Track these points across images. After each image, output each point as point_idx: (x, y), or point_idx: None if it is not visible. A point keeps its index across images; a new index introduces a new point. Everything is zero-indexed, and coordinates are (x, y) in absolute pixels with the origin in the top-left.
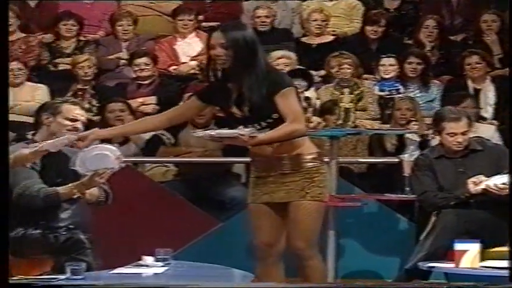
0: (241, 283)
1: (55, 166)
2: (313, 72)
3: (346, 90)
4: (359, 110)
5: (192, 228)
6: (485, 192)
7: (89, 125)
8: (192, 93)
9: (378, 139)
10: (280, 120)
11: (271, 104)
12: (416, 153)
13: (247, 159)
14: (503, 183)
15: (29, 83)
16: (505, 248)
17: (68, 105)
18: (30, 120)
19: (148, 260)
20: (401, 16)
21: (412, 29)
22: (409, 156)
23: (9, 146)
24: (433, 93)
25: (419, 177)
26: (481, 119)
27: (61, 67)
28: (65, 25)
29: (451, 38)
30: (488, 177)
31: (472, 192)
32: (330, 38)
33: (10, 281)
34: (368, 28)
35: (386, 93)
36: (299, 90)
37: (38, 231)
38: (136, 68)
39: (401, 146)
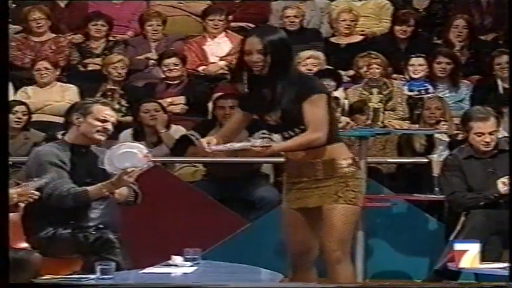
0: (269, 283)
1: (84, 165)
2: (342, 72)
3: (375, 90)
4: (388, 110)
5: (221, 228)
6: None
7: (118, 125)
8: (220, 94)
9: (407, 139)
10: None
11: (302, 110)
12: (446, 153)
13: (276, 159)
14: None
15: (59, 83)
16: None
17: (98, 106)
18: (61, 120)
19: (178, 259)
20: (430, 16)
21: (441, 29)
22: (438, 157)
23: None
24: (463, 93)
25: (448, 178)
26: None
27: (91, 67)
28: (94, 25)
29: (481, 37)
30: None
31: (501, 192)
32: (359, 38)
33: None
34: (397, 28)
35: (416, 93)
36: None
37: (67, 231)
38: (165, 68)
39: (430, 146)
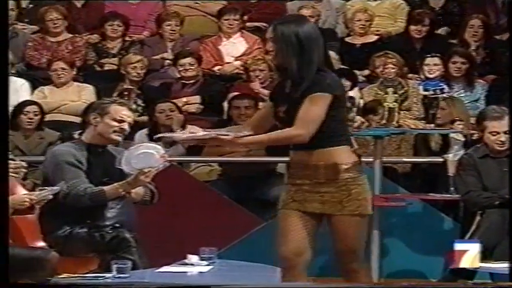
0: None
1: (101, 165)
2: (357, 72)
3: (390, 90)
4: (403, 110)
5: (237, 227)
6: None
7: (134, 125)
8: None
9: (423, 139)
10: (322, 122)
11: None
12: (461, 153)
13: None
14: None
15: (76, 83)
16: None
17: (115, 106)
18: (77, 119)
19: (193, 258)
20: (446, 14)
21: (456, 29)
22: (453, 156)
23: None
24: (478, 92)
25: (463, 177)
26: None
27: (107, 67)
28: (110, 26)
29: (496, 37)
30: None
31: None
32: (374, 37)
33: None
34: (412, 27)
35: (431, 92)
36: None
37: (84, 230)
38: (181, 68)
39: (446, 145)
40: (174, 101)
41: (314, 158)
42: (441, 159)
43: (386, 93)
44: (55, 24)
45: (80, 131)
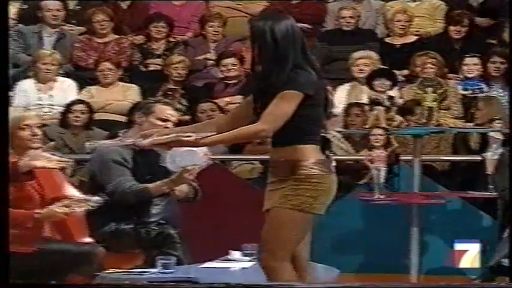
0: (326, 277)
1: (146, 163)
2: (397, 72)
3: (430, 90)
4: (443, 109)
5: None
6: None
7: (179, 124)
8: None
9: (462, 138)
10: (290, 120)
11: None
12: (500, 151)
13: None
14: None
15: (121, 83)
16: None
17: (160, 106)
18: (123, 118)
19: (236, 254)
20: (485, 11)
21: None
22: (492, 155)
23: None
24: None
25: (502, 175)
26: None
27: (152, 68)
28: (155, 27)
29: None
30: None
31: None
32: (414, 38)
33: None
34: (451, 28)
35: (470, 92)
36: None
37: (130, 226)
38: (224, 68)
39: (485, 144)
40: (216, 100)
41: (279, 155)
42: (480, 158)
43: (426, 92)
44: (102, 25)
45: (125, 130)
